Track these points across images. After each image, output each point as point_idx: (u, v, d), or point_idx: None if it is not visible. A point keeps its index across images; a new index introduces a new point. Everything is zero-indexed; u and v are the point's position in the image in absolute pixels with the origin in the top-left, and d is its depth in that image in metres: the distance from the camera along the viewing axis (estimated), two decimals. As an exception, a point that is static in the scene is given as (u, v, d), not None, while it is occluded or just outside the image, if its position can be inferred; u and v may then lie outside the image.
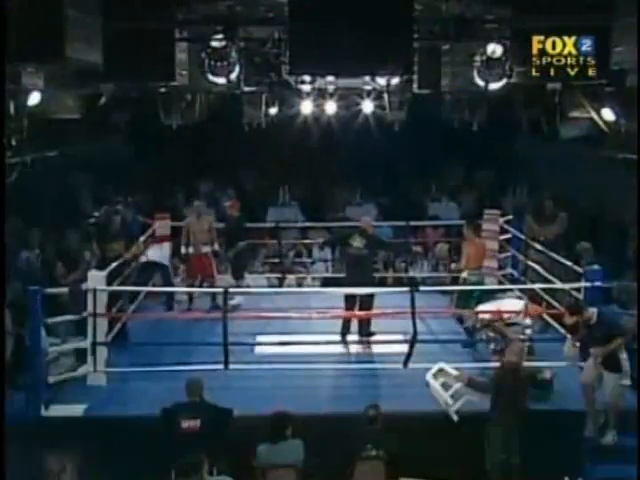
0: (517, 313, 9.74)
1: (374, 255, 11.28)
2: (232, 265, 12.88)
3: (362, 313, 10.23)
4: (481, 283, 10.74)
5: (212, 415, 7.50)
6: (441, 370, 8.49)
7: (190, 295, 12.02)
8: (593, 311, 8.06)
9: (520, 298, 10.94)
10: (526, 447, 7.59)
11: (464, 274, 10.70)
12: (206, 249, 12.17)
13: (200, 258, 12.14)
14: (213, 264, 12.23)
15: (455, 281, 11.52)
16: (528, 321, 9.66)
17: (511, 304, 10.00)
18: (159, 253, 12.48)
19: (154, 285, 12.31)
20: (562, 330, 9.73)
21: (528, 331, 9.62)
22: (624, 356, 8.05)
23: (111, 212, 11.48)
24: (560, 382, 8.91)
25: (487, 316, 9.75)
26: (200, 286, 12.37)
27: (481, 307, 10.09)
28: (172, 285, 12.52)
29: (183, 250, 12.30)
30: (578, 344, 8.73)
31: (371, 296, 10.16)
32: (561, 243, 11.85)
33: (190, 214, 12.72)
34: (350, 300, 10.25)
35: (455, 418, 8.25)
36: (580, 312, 8.08)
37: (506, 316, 9.63)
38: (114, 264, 10.25)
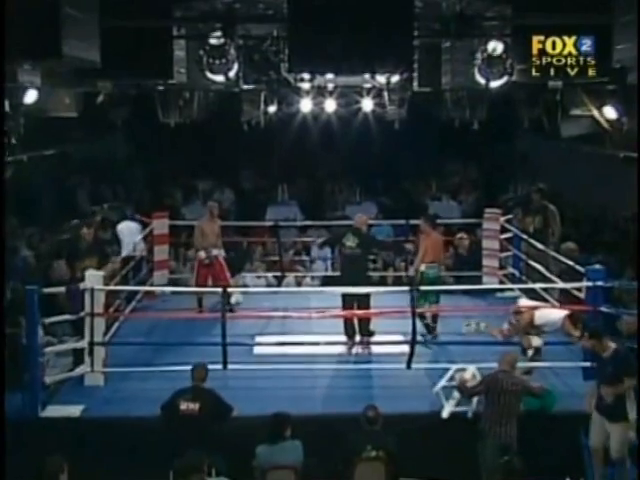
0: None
1: (368, 254, 11.12)
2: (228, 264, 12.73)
3: (360, 312, 10.16)
4: (439, 276, 10.60)
5: (211, 400, 7.55)
6: (463, 369, 8.42)
7: (200, 297, 11.74)
8: (611, 345, 7.64)
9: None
10: (527, 448, 7.52)
11: (422, 267, 10.57)
12: (216, 252, 11.73)
13: (212, 262, 11.70)
14: (225, 267, 11.80)
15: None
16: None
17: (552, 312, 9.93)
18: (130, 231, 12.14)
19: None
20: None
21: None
22: (632, 403, 7.49)
23: (81, 226, 10.92)
24: (561, 383, 8.86)
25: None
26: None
27: (522, 302, 10.05)
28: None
29: (202, 255, 11.64)
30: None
31: (367, 295, 10.09)
32: (548, 234, 11.82)
33: (204, 215, 12.23)
34: (348, 300, 10.18)
35: (444, 415, 8.20)
36: (600, 339, 7.70)
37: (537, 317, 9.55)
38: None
